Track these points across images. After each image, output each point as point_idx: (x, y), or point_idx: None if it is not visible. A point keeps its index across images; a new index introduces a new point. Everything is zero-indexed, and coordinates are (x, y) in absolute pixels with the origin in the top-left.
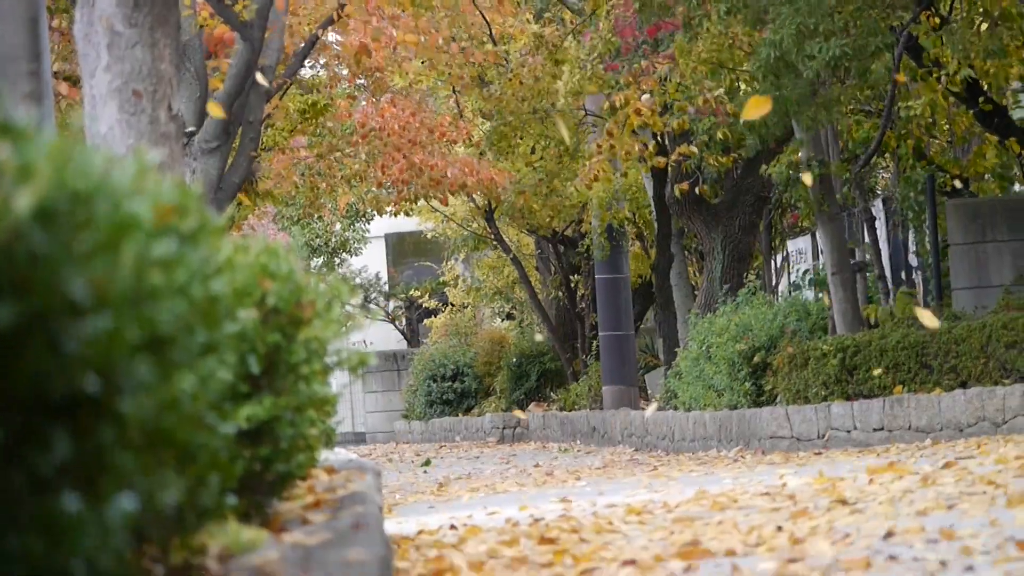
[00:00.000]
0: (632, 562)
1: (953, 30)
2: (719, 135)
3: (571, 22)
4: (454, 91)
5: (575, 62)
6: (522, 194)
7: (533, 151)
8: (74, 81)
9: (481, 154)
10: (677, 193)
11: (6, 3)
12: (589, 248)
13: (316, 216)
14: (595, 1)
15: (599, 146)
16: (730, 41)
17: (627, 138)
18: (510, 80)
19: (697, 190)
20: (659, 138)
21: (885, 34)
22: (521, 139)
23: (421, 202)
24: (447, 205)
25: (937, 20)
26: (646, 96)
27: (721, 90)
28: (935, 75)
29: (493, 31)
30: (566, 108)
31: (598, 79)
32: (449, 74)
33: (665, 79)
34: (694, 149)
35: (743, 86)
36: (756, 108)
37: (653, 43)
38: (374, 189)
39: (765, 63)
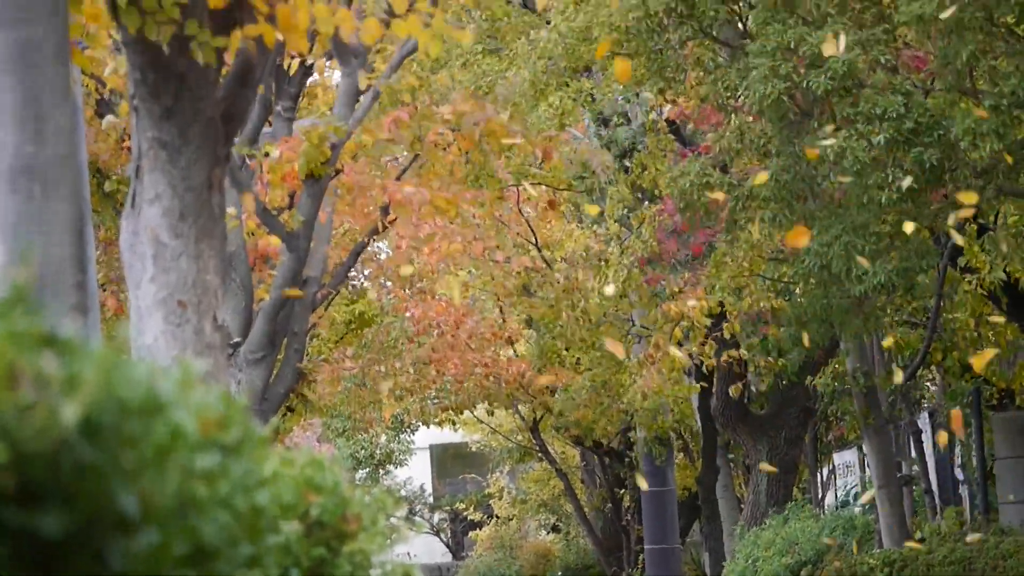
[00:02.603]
0: None
1: (994, 238)
2: (769, 337)
3: (617, 235)
4: (498, 299)
5: (618, 267)
6: (580, 408)
7: (579, 361)
8: (119, 293)
9: (539, 370)
10: (733, 392)
11: (52, 214)
12: (637, 459)
13: (362, 429)
14: (641, 215)
15: (651, 356)
16: (766, 253)
17: (675, 350)
18: (562, 292)
19: (731, 390)
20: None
21: (931, 255)
22: (567, 350)
23: (466, 414)
24: (492, 415)
25: (975, 227)
26: (692, 302)
27: (765, 301)
28: (967, 280)
29: (538, 238)
30: (612, 314)
31: (642, 291)
32: (493, 284)
33: (711, 290)
34: (744, 352)
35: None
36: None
37: (705, 253)
38: (423, 398)
39: (809, 271)
